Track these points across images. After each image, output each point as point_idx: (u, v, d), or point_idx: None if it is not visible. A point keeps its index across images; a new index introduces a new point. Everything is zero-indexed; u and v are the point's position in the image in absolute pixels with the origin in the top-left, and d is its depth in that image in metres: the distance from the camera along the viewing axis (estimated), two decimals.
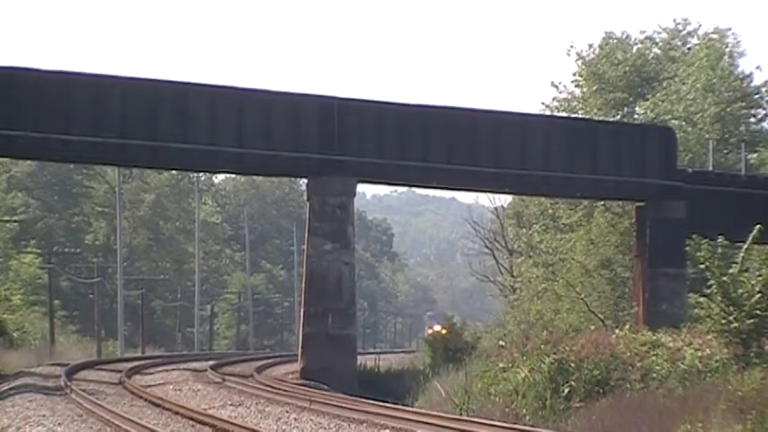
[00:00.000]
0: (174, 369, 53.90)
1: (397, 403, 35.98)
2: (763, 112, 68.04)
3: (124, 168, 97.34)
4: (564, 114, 68.08)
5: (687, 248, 49.43)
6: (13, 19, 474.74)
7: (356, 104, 48.97)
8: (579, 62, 69.89)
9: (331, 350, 47.00)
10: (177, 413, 30.05)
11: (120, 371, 49.57)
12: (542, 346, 35.63)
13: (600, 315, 56.71)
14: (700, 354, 32.46)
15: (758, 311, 31.16)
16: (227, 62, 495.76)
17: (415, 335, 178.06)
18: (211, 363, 58.55)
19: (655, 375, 32.49)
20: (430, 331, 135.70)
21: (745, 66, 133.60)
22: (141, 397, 36.04)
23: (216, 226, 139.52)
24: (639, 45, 71.20)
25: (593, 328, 49.50)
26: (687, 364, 32.12)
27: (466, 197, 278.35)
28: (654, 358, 33.38)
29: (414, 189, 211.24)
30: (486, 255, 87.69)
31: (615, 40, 70.45)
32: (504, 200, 79.57)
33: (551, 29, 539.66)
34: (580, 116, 66.86)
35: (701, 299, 33.36)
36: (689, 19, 76.23)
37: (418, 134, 49.15)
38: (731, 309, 31.39)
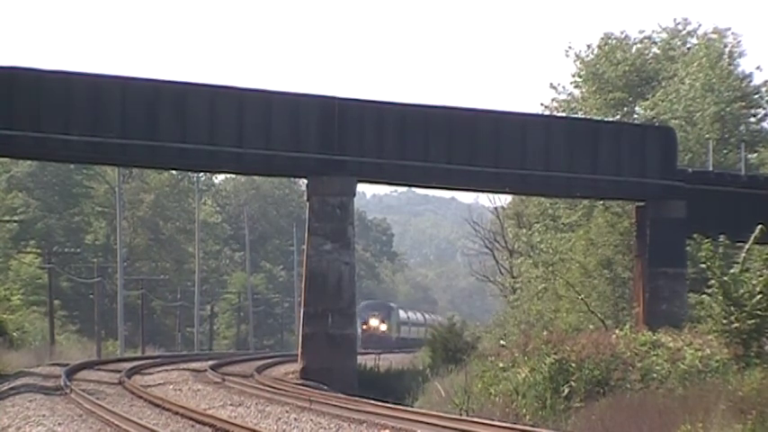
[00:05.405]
0: (173, 369, 53.87)
1: (397, 403, 35.98)
2: (763, 112, 68.03)
3: (124, 168, 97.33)
4: (563, 115, 68.09)
5: (687, 248, 49.69)
6: (13, 19, 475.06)
7: (356, 104, 48.95)
8: (578, 63, 69.92)
9: (331, 350, 46.99)
10: (177, 413, 30.06)
11: (120, 371, 49.55)
12: (543, 347, 35.65)
13: (600, 315, 56.69)
14: (700, 354, 32.47)
15: (759, 312, 31.19)
16: (227, 62, 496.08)
17: None
18: (211, 363, 58.49)
19: (655, 375, 32.50)
20: (365, 327, 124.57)
21: (745, 66, 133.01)
22: (141, 397, 36.03)
23: (216, 226, 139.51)
24: (639, 45, 71.20)
25: (592, 327, 49.55)
26: (687, 364, 32.13)
27: (466, 197, 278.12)
28: (654, 358, 33.39)
29: (414, 189, 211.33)
30: (486, 255, 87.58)
31: (614, 41, 70.44)
32: (504, 200, 79.56)
33: (550, 29, 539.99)
34: (580, 116, 66.85)
35: (703, 298, 33.37)
36: (689, 19, 76.23)
37: (418, 134, 49.12)
38: (732, 309, 31.40)
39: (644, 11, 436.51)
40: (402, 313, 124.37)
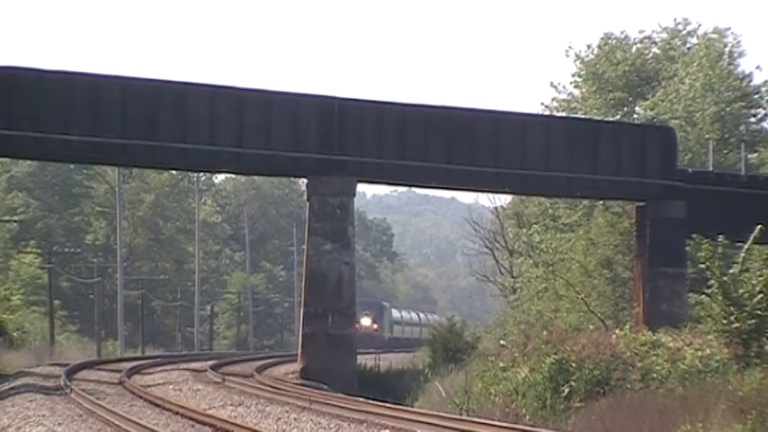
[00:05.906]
0: (174, 369, 53.87)
1: (397, 403, 35.98)
2: (763, 111, 68.04)
3: (124, 168, 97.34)
4: (564, 115, 68.11)
5: (687, 248, 49.70)
6: (13, 19, 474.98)
7: (356, 104, 48.95)
8: (578, 63, 69.96)
9: (331, 350, 47.00)
10: (177, 413, 30.06)
11: (120, 371, 49.55)
12: (543, 346, 35.67)
13: (600, 315, 56.72)
14: (700, 354, 32.50)
15: (759, 312, 31.20)
16: (227, 62, 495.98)
17: None
18: (211, 363, 58.50)
19: (655, 375, 32.52)
20: (357, 326, 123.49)
21: (745, 66, 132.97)
22: (141, 397, 36.03)
23: (216, 226, 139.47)
24: (639, 45, 71.23)
25: (592, 327, 49.57)
26: (687, 364, 32.16)
27: (466, 197, 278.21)
28: (654, 358, 33.42)
29: (414, 189, 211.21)
30: (486, 255, 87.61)
31: (614, 41, 70.47)
32: (504, 200, 79.60)
33: (551, 29, 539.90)
34: (580, 116, 66.88)
35: (703, 298, 33.39)
36: (689, 18, 76.28)
37: (418, 134, 49.12)
38: (732, 309, 31.42)
39: (644, 11, 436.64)
40: (395, 312, 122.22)
